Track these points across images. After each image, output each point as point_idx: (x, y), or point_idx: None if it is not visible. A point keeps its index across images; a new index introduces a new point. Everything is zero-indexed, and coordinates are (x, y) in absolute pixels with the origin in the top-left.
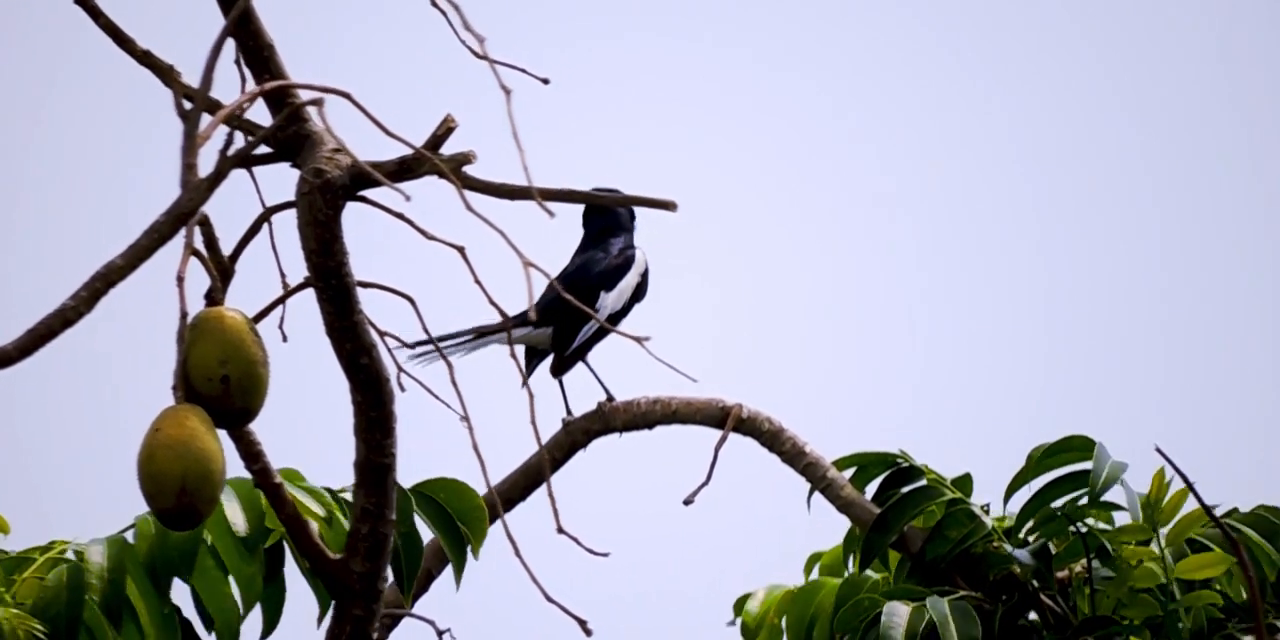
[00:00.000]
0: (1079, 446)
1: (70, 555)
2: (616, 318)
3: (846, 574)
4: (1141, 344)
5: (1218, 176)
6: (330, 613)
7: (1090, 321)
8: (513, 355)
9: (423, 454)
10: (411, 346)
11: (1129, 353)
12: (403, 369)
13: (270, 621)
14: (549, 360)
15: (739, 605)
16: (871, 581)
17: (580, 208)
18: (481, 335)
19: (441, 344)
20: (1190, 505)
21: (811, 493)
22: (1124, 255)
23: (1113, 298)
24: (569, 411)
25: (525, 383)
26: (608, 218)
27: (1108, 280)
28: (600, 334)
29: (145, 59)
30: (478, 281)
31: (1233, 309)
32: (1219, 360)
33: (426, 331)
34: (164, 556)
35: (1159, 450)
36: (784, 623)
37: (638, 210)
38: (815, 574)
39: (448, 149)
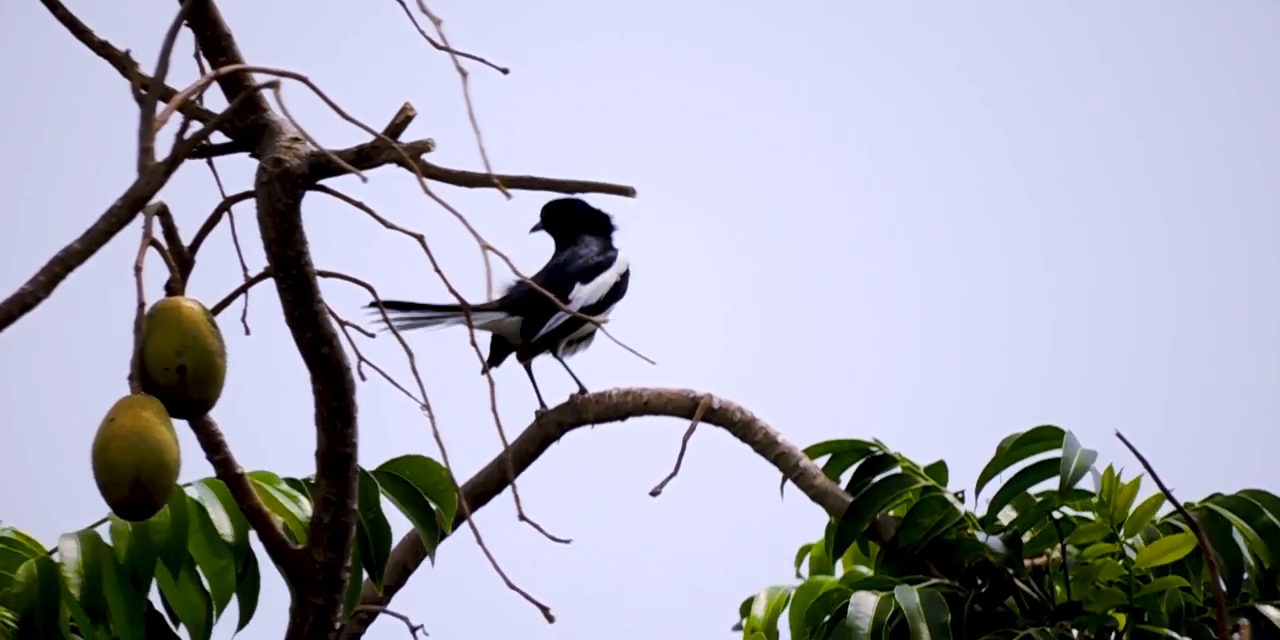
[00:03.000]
0: (1049, 436)
1: (3, 535)
2: (590, 311)
3: (837, 570)
4: (1114, 333)
5: (1181, 165)
6: (293, 604)
7: (1063, 310)
8: (473, 343)
9: (386, 443)
10: (371, 305)
11: (1101, 341)
12: (363, 358)
13: (246, 613)
14: (515, 352)
15: (745, 609)
16: (864, 577)
17: (537, 205)
18: (449, 311)
19: (405, 314)
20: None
21: (784, 482)
22: (1095, 245)
23: (1084, 287)
24: (542, 404)
25: (487, 370)
26: (579, 218)
27: (1079, 270)
28: (570, 326)
29: (103, 49)
30: (437, 269)
31: (1201, 299)
32: (1190, 349)
33: (384, 315)
34: (145, 555)
35: (1119, 435)
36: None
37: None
38: (806, 566)
39: (406, 137)
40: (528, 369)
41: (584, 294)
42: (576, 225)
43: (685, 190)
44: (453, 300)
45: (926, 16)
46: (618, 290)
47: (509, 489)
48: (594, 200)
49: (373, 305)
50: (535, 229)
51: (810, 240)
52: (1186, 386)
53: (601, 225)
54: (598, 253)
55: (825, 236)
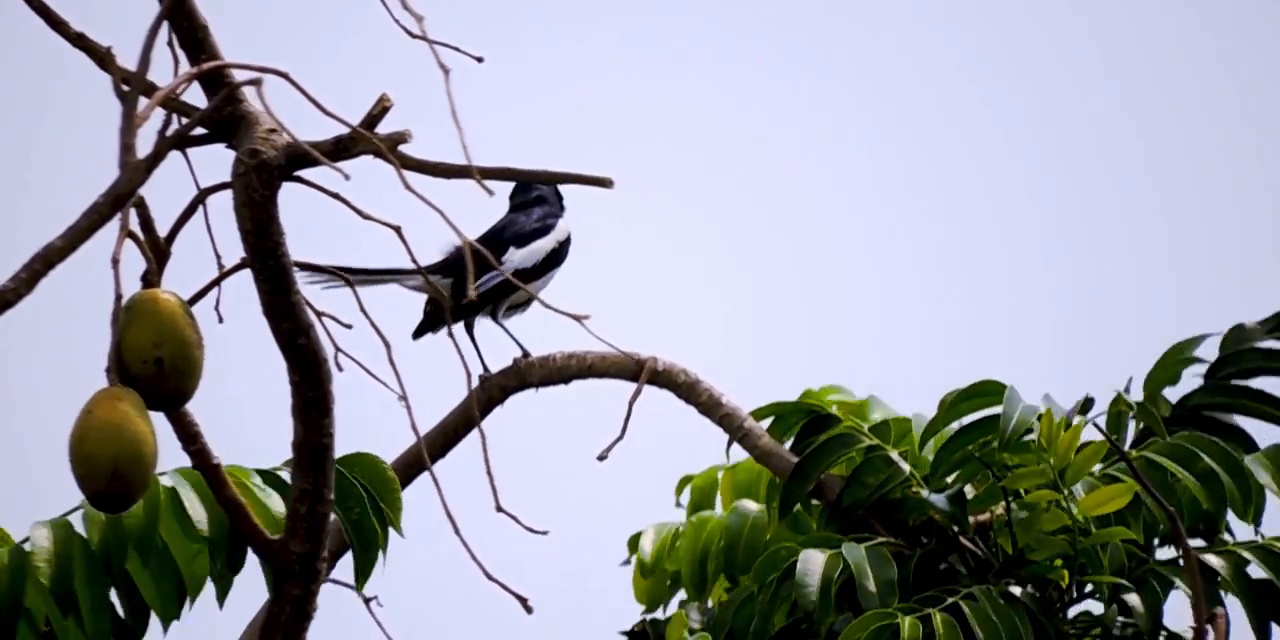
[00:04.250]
0: (991, 391)
1: None
2: (525, 275)
3: (717, 506)
4: (1058, 285)
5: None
6: (270, 594)
7: (1007, 266)
8: (450, 329)
9: (362, 434)
10: (303, 268)
11: (1046, 295)
12: (340, 349)
13: (219, 599)
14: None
15: (632, 544)
16: (755, 515)
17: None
18: (386, 273)
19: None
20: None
21: (730, 443)
22: (1040, 199)
23: (1032, 241)
24: (485, 368)
25: (419, 334)
26: (532, 193)
27: (1024, 225)
28: (504, 290)
29: (79, 42)
30: (414, 260)
31: (1145, 253)
32: (1137, 299)
33: (362, 307)
34: (118, 544)
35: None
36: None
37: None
38: (686, 496)
39: (383, 128)
40: (473, 339)
41: (518, 258)
42: (529, 195)
43: (635, 162)
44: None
45: (904, 13)
46: (555, 257)
47: (450, 457)
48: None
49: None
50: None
51: (753, 201)
52: (1124, 332)
53: (552, 198)
54: (536, 220)
55: (767, 197)
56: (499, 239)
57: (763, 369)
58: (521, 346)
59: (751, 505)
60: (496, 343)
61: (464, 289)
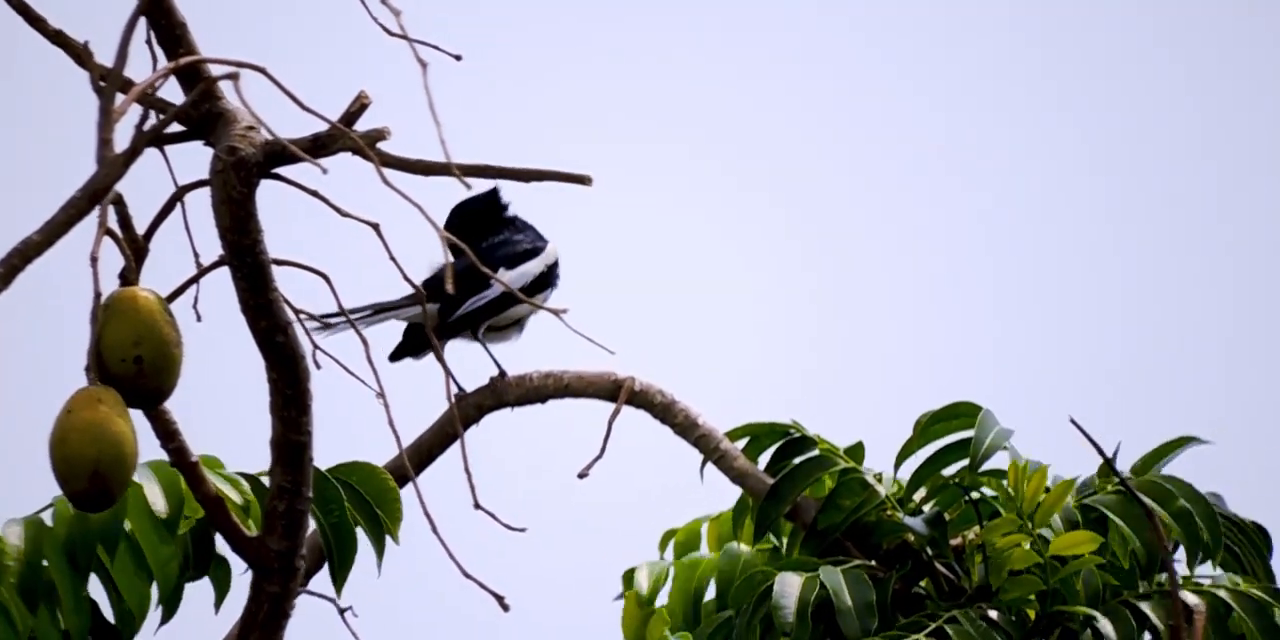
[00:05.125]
0: (967, 413)
1: None
2: (513, 299)
3: (729, 546)
4: (1036, 314)
5: (1149, 162)
6: (248, 592)
7: (982, 288)
8: (429, 333)
9: (339, 432)
10: (316, 319)
11: (1021, 321)
12: (318, 347)
13: (169, 610)
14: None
15: (627, 579)
16: (747, 556)
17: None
18: (377, 311)
19: (339, 318)
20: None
21: (704, 464)
22: (1038, 225)
23: (1008, 264)
24: (460, 387)
25: (398, 358)
26: (506, 216)
27: (1004, 246)
28: (491, 308)
29: (58, 38)
30: (393, 258)
31: (1134, 283)
32: (1115, 332)
33: (341, 308)
34: (84, 539)
35: (1073, 422)
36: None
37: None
38: (670, 550)
39: (362, 125)
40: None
41: (507, 279)
42: (497, 223)
43: (643, 177)
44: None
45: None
46: (544, 279)
47: (428, 473)
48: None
49: (309, 318)
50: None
51: (730, 224)
52: (1108, 371)
53: (524, 224)
54: (526, 243)
55: (744, 220)
56: (488, 259)
57: (743, 388)
58: (499, 365)
59: (741, 547)
60: (471, 363)
61: (451, 310)
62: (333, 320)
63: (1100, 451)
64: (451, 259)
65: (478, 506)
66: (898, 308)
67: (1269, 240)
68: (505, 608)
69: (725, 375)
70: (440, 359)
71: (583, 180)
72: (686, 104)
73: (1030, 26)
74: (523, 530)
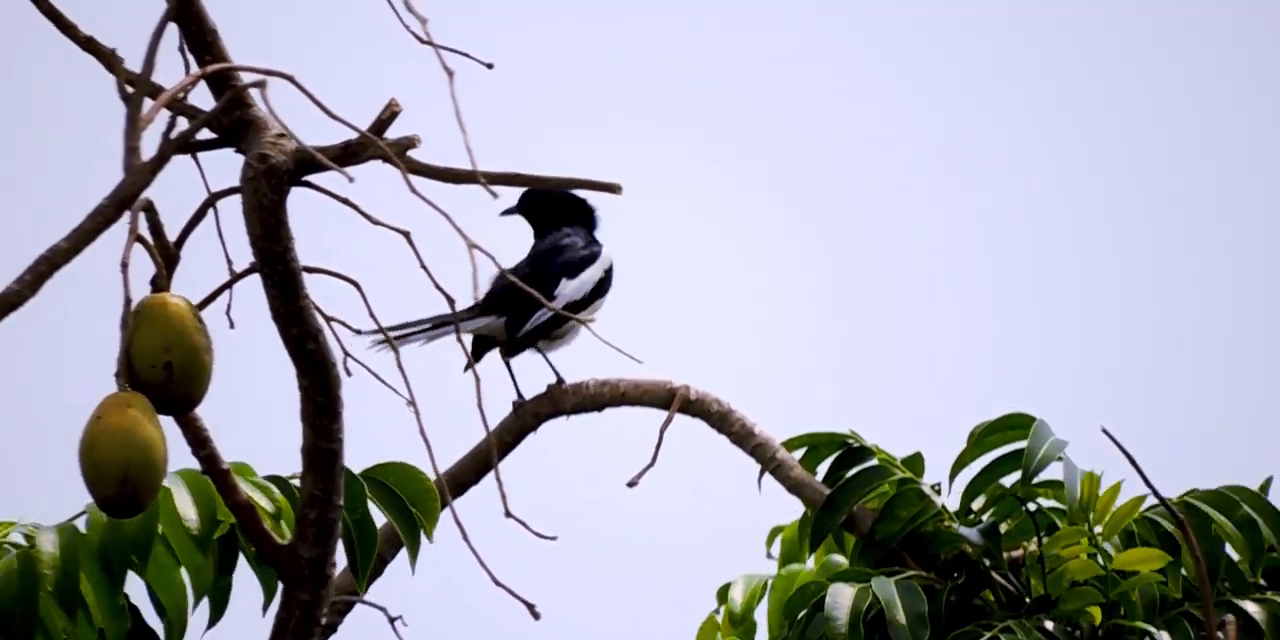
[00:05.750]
0: (1021, 424)
1: (16, 537)
2: (575, 307)
3: (809, 559)
4: (1093, 322)
5: (1173, 164)
6: (278, 599)
7: (1041, 299)
8: (459, 341)
9: (370, 439)
10: (359, 333)
11: (1080, 331)
12: (349, 354)
13: (217, 611)
14: (498, 347)
15: (721, 595)
16: (843, 566)
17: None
18: (439, 325)
19: (399, 333)
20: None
21: (761, 474)
22: (1074, 238)
23: (1063, 277)
24: (520, 395)
25: (470, 367)
26: (563, 208)
27: (1057, 259)
28: (554, 321)
29: (88, 45)
30: (423, 266)
31: (1185, 291)
32: (1171, 340)
33: (375, 320)
34: (117, 546)
35: (1105, 432)
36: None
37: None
38: (777, 547)
39: (392, 133)
40: (509, 366)
41: (569, 290)
42: (558, 214)
43: (668, 183)
44: (439, 304)
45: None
46: (602, 286)
47: (486, 480)
48: (580, 192)
49: (371, 332)
50: (509, 212)
51: (789, 233)
52: (1165, 381)
53: (585, 216)
54: (583, 247)
55: (803, 229)
56: (548, 269)
57: (797, 397)
58: (557, 373)
59: (840, 559)
60: (529, 368)
61: (517, 325)
62: (396, 334)
63: (1133, 462)
64: (508, 277)
65: (508, 515)
66: (897, 308)
67: (1269, 240)
68: (536, 616)
69: (725, 375)
70: (472, 369)
71: (612, 188)
72: (686, 104)
73: (1030, 26)
74: (553, 539)
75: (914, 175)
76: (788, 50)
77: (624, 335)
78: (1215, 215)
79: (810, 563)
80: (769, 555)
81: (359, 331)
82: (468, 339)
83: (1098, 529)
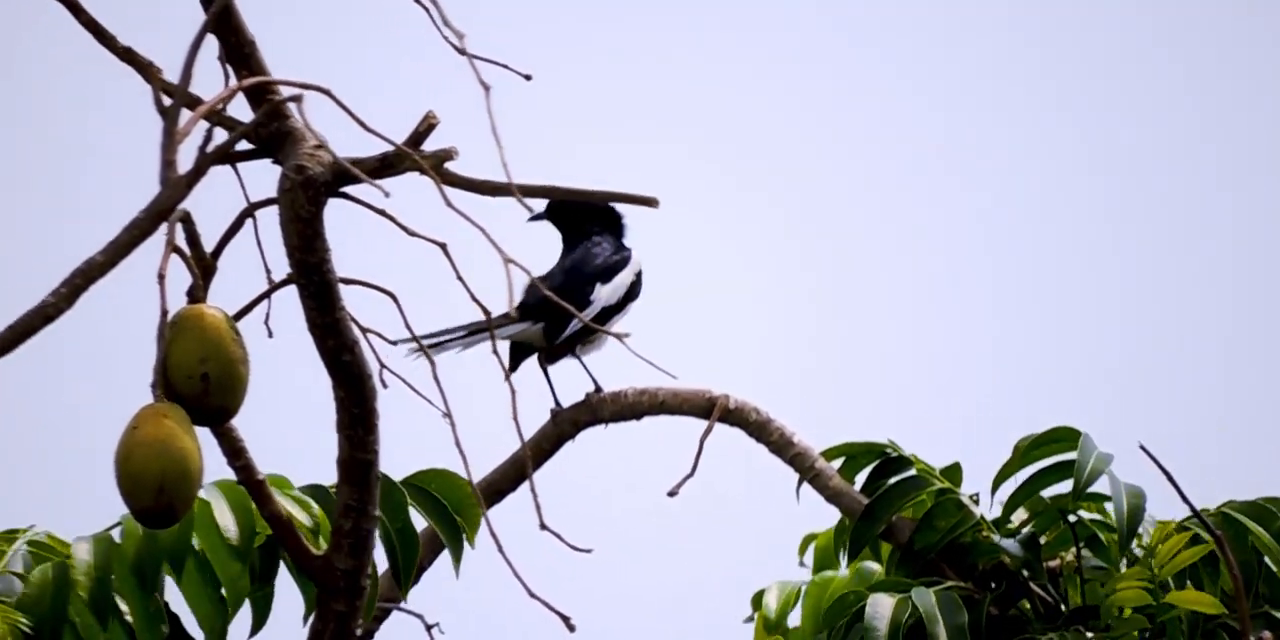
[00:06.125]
0: (1065, 437)
1: (36, 538)
2: (610, 312)
3: (842, 565)
4: (1132, 335)
5: (1214, 175)
6: (315, 610)
7: (1080, 311)
8: (495, 351)
9: (409, 449)
10: (395, 343)
11: (1119, 342)
12: (385, 365)
13: (259, 620)
14: (536, 354)
15: (756, 601)
16: (877, 573)
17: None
18: (475, 332)
19: (436, 341)
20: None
21: (800, 483)
22: (1115, 245)
23: (1102, 288)
24: (557, 403)
25: (508, 377)
26: (590, 213)
27: (1098, 271)
28: (588, 329)
29: (127, 56)
30: (460, 278)
31: (1225, 303)
32: (1209, 353)
33: (410, 330)
34: (152, 556)
35: (1142, 447)
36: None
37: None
38: (810, 555)
39: (429, 145)
40: (544, 370)
41: (604, 294)
42: (586, 220)
43: (701, 190)
44: (475, 316)
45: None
46: (634, 290)
47: (524, 488)
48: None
49: (405, 340)
50: (536, 218)
51: (826, 241)
52: (1205, 392)
53: (613, 222)
54: (613, 252)
55: (841, 238)
56: (583, 274)
57: (835, 406)
58: (595, 382)
59: (874, 566)
60: (566, 376)
61: (556, 331)
62: (433, 341)
63: (1169, 476)
64: (542, 290)
65: (543, 527)
66: (897, 308)
67: (1268, 240)
68: (571, 628)
69: (726, 376)
70: (508, 379)
71: (649, 202)
72: (686, 104)
73: (1030, 26)
74: (589, 551)
75: (917, 176)
76: (785, 47)
77: (651, 342)
78: (1249, 218)
79: (844, 569)
80: (801, 563)
81: (394, 342)
82: (504, 347)
83: (1158, 568)
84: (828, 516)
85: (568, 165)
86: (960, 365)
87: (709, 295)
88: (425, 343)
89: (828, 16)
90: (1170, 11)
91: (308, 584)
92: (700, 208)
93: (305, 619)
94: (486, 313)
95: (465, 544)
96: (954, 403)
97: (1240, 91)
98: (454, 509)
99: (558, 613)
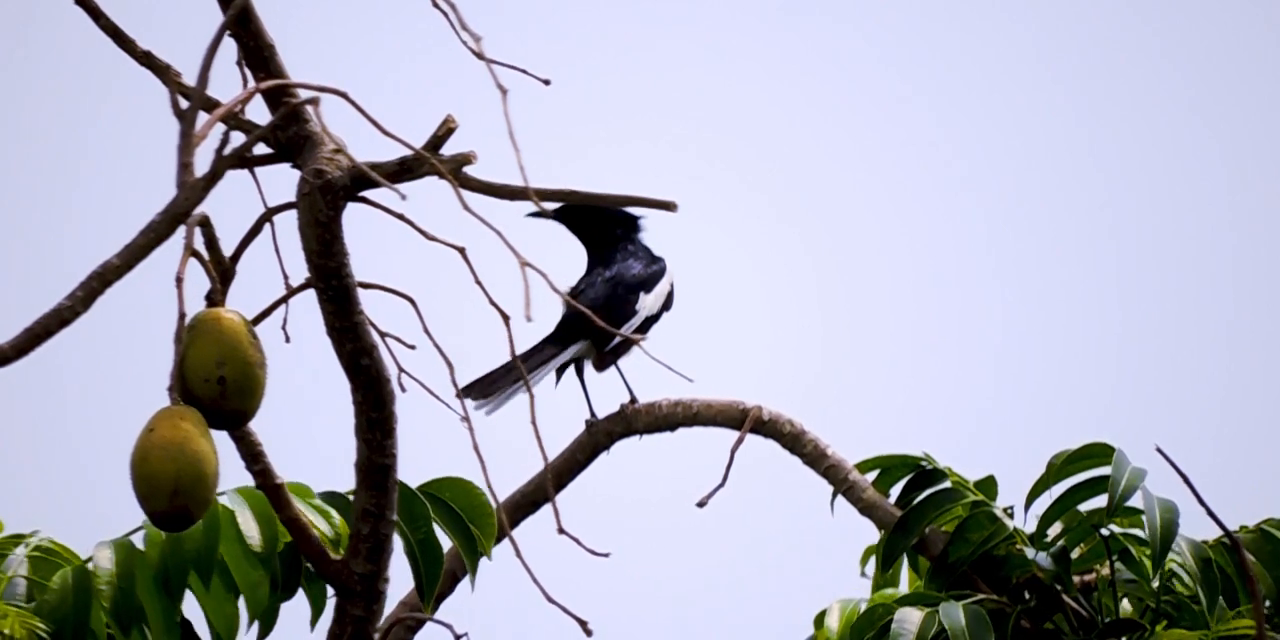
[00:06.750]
0: (1099, 453)
1: (41, 543)
2: (651, 321)
3: (902, 582)
4: (1166, 350)
5: (1251, 186)
6: (332, 614)
7: (1114, 325)
8: (556, 381)
9: (425, 455)
10: (461, 397)
11: (1152, 359)
12: (403, 369)
13: (265, 626)
14: (574, 364)
15: (819, 621)
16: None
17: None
18: (535, 367)
19: (495, 392)
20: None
21: (834, 495)
22: (1151, 262)
23: (1136, 303)
24: (593, 413)
25: (555, 385)
26: (608, 217)
27: (1132, 285)
28: (638, 329)
29: (146, 59)
30: (478, 282)
31: (1259, 318)
32: (1241, 368)
33: (431, 337)
34: (178, 563)
35: (1159, 451)
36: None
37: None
38: (870, 567)
39: (448, 149)
40: (582, 380)
41: (648, 303)
42: (605, 224)
43: (731, 200)
44: (495, 325)
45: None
46: (670, 299)
47: (560, 497)
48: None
49: (467, 393)
50: (538, 215)
51: (860, 254)
52: (1243, 407)
53: (634, 227)
54: (650, 260)
55: (875, 251)
56: (626, 284)
57: (868, 419)
58: (631, 392)
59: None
60: (600, 388)
61: (606, 340)
62: (494, 396)
63: (1195, 493)
64: (576, 307)
65: (561, 532)
66: (898, 308)
67: (1269, 240)
68: (589, 632)
69: (753, 386)
70: (529, 391)
71: (667, 206)
72: (704, 108)
73: (1031, 26)
74: (606, 555)
75: (955, 189)
76: (786, 47)
77: (694, 353)
78: (1207, 212)
79: (904, 586)
80: (863, 574)
81: (460, 395)
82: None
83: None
84: (861, 529)
85: (585, 169)
86: (995, 377)
87: (735, 303)
88: (494, 399)
89: (829, 18)
90: (1170, 12)
91: (314, 589)
92: (722, 212)
93: (313, 624)
94: (505, 317)
95: (482, 554)
96: (988, 415)
97: (1240, 92)
98: (469, 519)
99: (575, 617)
